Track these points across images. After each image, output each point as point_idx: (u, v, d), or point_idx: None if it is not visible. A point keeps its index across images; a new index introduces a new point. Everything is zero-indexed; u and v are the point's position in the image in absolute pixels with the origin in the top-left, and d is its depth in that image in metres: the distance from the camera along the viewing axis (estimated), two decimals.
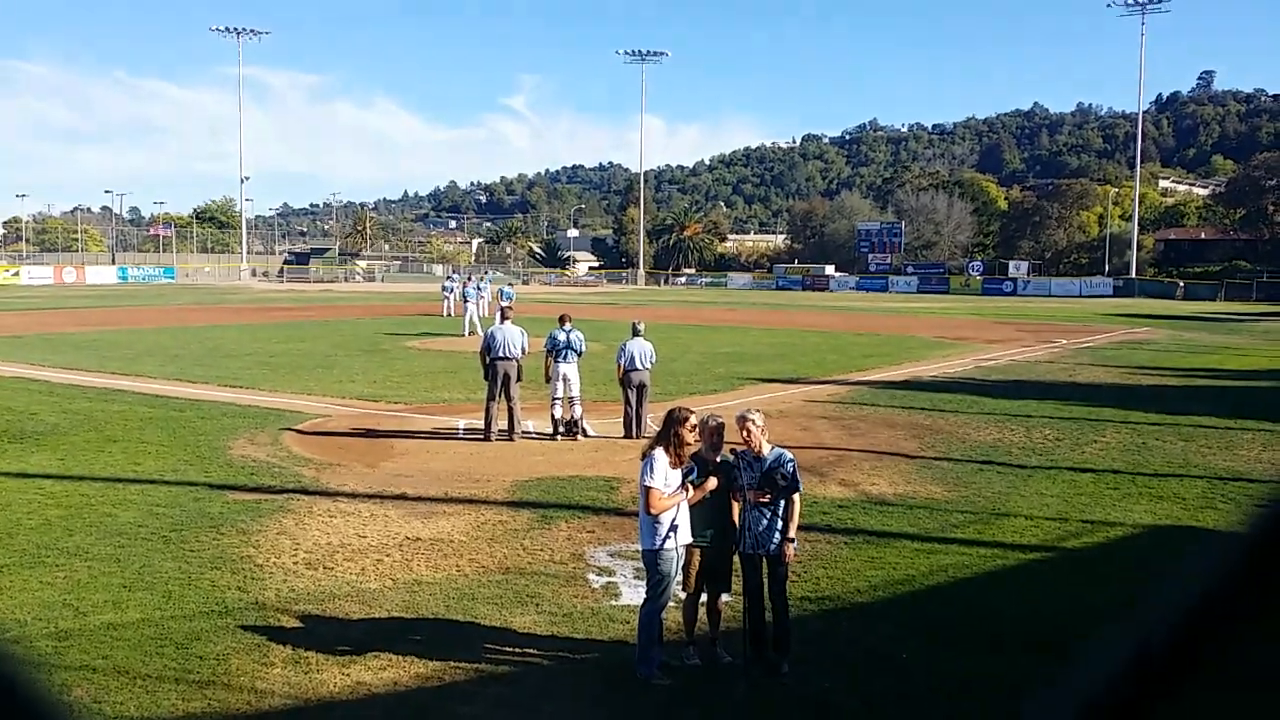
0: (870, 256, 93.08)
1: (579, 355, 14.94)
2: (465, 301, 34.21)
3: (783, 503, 6.87)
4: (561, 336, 14.82)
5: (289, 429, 15.03)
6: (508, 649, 7.08)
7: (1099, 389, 20.62)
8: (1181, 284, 74.01)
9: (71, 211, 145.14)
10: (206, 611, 7.59)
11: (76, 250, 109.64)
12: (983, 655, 7.05)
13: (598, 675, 6.77)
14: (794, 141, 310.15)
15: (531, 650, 7.07)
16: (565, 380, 14.59)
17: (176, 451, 13.28)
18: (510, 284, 42.66)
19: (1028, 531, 10.07)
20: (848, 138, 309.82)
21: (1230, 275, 75.70)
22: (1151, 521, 10.54)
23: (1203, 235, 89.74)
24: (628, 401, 14.58)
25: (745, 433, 6.93)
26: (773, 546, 6.83)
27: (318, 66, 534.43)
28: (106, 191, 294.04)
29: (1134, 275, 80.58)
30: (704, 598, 7.05)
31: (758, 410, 7.20)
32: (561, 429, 14.59)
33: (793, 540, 6.92)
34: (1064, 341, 32.98)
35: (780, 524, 6.86)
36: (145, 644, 6.95)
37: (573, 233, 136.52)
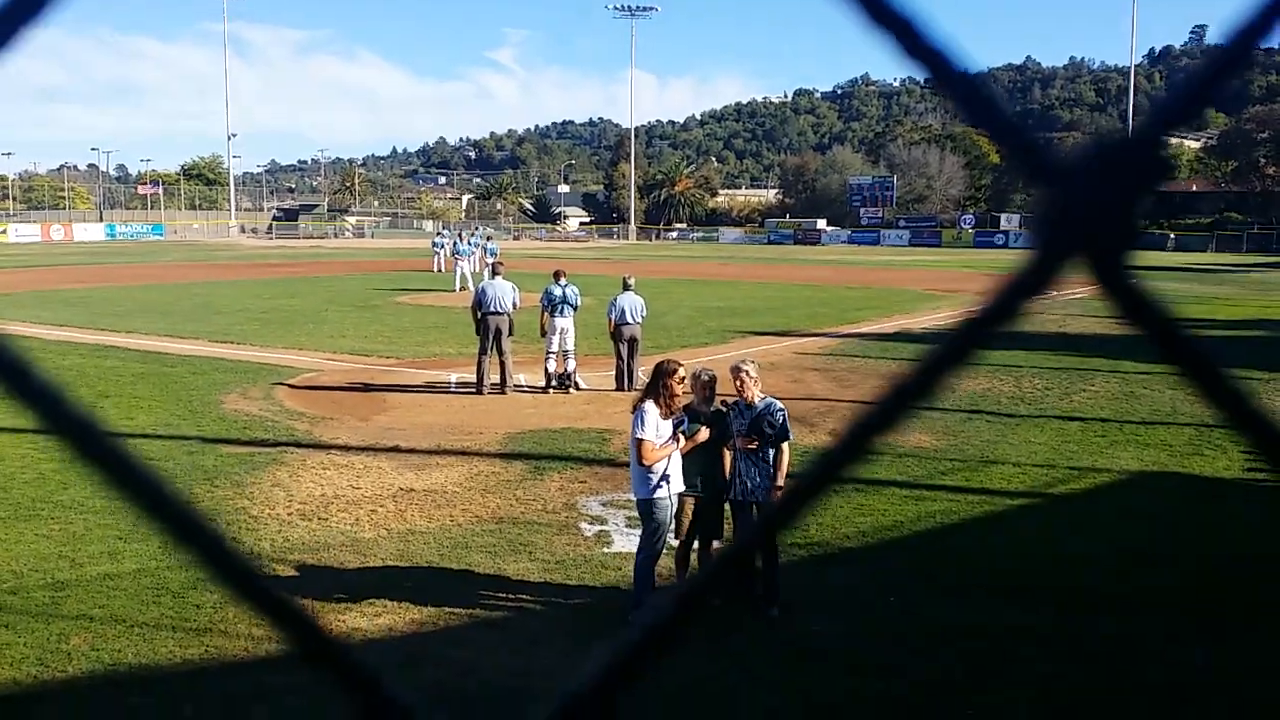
0: (862, 210, 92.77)
1: (575, 309, 14.96)
2: (457, 257, 34.05)
3: (772, 452, 6.95)
4: (558, 291, 14.82)
5: (281, 383, 15.06)
6: (501, 595, 7.17)
7: (1088, 339, 20.71)
8: (1173, 235, 74.02)
9: (58, 169, 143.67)
10: None
11: (64, 208, 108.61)
12: (968, 600, 7.17)
13: (591, 620, 6.87)
14: (785, 96, 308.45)
15: (525, 597, 7.17)
16: (562, 333, 14.61)
17: (169, 406, 13.31)
18: (489, 237, 41.94)
19: (1015, 479, 10.18)
20: (839, 92, 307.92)
21: (1221, 227, 75.74)
22: (1138, 468, 10.65)
23: (1194, 188, 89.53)
24: (619, 355, 14.62)
25: (739, 382, 7.00)
26: (762, 495, 6.92)
27: (301, 22, 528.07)
28: (93, 149, 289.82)
29: None
30: (696, 545, 7.14)
31: (752, 361, 7.26)
32: (554, 383, 14.64)
33: (781, 489, 6.99)
34: (1054, 293, 32.95)
35: (771, 472, 6.94)
36: (142, 593, 7.03)
37: (563, 188, 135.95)
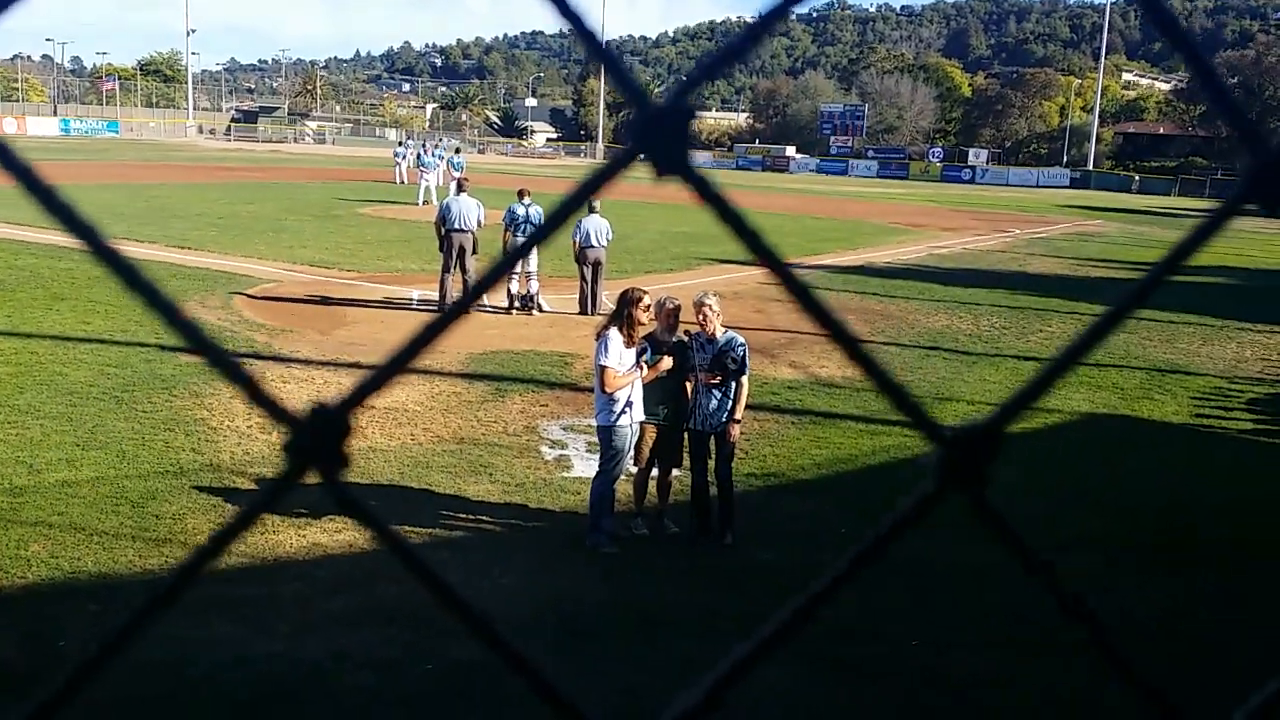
0: (832, 139, 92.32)
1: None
2: (421, 169, 33.31)
3: (732, 384, 7.05)
4: (521, 211, 14.67)
5: (240, 293, 14.91)
6: (461, 516, 7.26)
7: (1048, 279, 20.96)
8: (1137, 178, 74.45)
9: (11, 59, 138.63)
10: (161, 471, 7.66)
11: (17, 100, 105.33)
12: (919, 533, 7.31)
13: (549, 543, 6.99)
14: (759, 16, 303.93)
15: (485, 518, 7.26)
16: None
17: (126, 311, 13.14)
18: (457, 150, 40.58)
19: (969, 416, 10.25)
20: (815, 15, 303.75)
21: (1185, 171, 76.21)
22: (1089, 410, 10.90)
23: (1161, 130, 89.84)
24: (583, 278, 14.59)
25: (701, 316, 7.05)
26: (720, 425, 7.03)
27: None
28: (47, 40, 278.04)
29: (1091, 167, 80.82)
30: (654, 472, 7.25)
31: (715, 294, 7.29)
32: (517, 304, 14.60)
33: (738, 421, 7.11)
34: (1017, 231, 33.28)
35: (729, 404, 7.04)
36: (101, 502, 7.03)
37: (531, 102, 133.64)
